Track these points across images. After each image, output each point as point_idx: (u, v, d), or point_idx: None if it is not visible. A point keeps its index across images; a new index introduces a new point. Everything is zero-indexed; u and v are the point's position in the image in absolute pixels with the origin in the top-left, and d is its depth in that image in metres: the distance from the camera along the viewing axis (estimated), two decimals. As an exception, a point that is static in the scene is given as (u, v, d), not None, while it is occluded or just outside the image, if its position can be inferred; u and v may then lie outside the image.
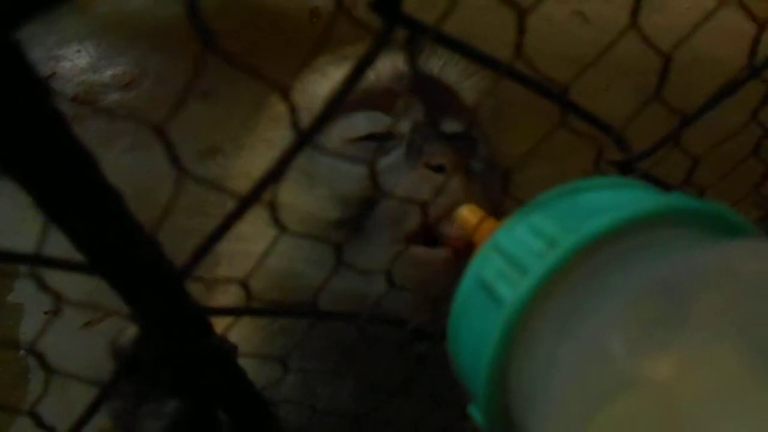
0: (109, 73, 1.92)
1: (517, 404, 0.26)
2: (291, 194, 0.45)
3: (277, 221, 0.28)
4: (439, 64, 0.53)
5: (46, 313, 1.25)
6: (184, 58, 1.70)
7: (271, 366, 0.43)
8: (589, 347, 0.22)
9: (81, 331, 1.23)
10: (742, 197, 0.49)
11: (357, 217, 0.47)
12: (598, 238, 0.24)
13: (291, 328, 0.51)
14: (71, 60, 1.96)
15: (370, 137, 0.50)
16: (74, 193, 0.24)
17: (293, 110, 0.24)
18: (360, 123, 0.50)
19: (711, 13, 0.33)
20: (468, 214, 0.39)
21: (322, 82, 0.52)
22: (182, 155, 0.23)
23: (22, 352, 1.25)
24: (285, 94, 0.24)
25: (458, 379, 0.30)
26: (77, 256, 0.27)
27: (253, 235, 0.44)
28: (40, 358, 0.29)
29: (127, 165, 1.55)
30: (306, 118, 0.25)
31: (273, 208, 0.27)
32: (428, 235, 0.45)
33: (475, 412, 0.28)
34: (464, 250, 0.39)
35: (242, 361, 0.39)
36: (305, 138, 0.26)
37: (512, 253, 0.27)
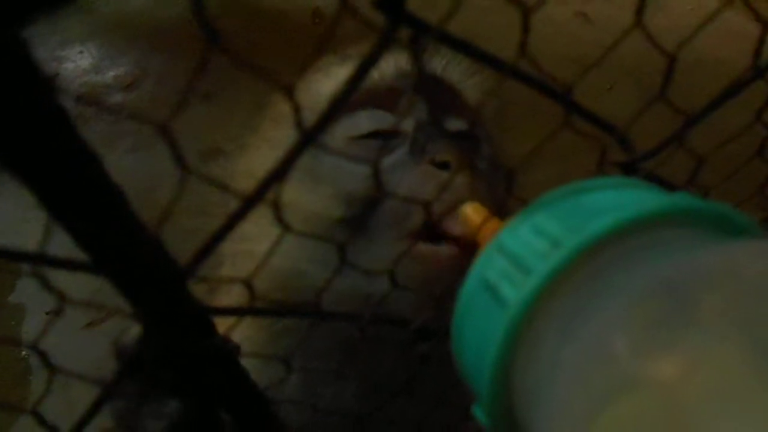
0: (111, 74, 1.93)
1: (520, 404, 0.26)
2: (294, 193, 0.45)
3: (280, 221, 0.28)
4: (443, 64, 0.53)
5: (47, 313, 1.26)
6: (184, 59, 1.70)
7: (274, 366, 0.43)
8: (593, 347, 0.22)
9: (83, 330, 1.23)
10: (747, 198, 0.49)
11: (361, 215, 0.47)
12: (602, 239, 0.24)
13: (294, 328, 0.51)
14: (74, 61, 1.97)
15: (373, 135, 0.50)
16: (78, 191, 0.24)
17: (297, 109, 0.24)
18: (363, 121, 0.50)
19: (715, 14, 0.33)
20: (472, 212, 0.39)
21: (326, 81, 0.52)
22: (184, 156, 0.23)
23: (24, 351, 1.25)
24: (289, 93, 0.24)
25: (461, 379, 0.30)
26: (80, 256, 0.27)
27: (256, 235, 0.44)
28: (43, 357, 0.29)
29: (129, 166, 1.55)
30: (310, 118, 0.25)
31: (277, 207, 0.27)
32: (432, 232, 0.45)
33: (479, 412, 0.28)
34: (468, 247, 0.39)
35: (245, 361, 0.39)
36: (309, 137, 0.26)
37: (516, 253, 0.27)
